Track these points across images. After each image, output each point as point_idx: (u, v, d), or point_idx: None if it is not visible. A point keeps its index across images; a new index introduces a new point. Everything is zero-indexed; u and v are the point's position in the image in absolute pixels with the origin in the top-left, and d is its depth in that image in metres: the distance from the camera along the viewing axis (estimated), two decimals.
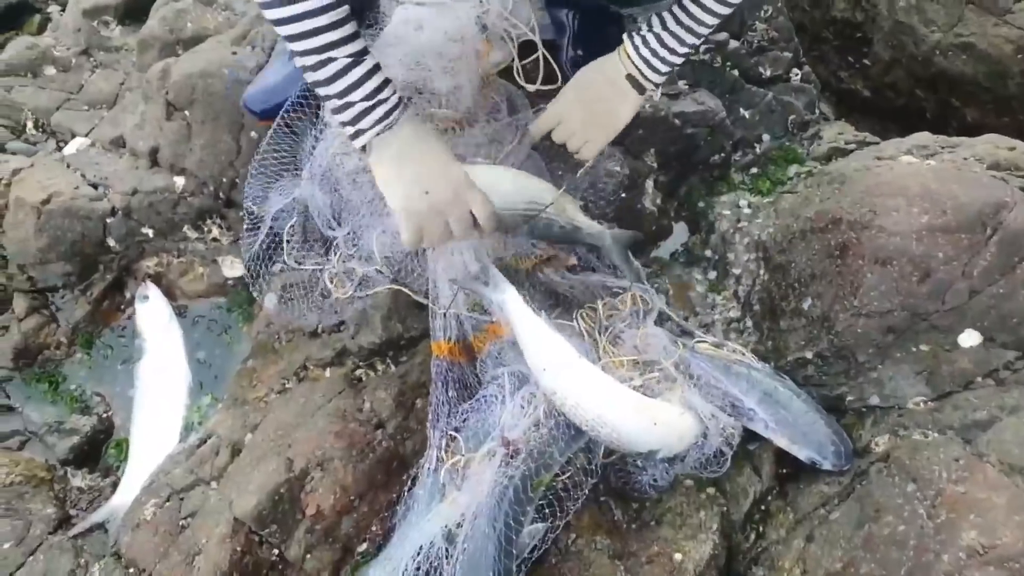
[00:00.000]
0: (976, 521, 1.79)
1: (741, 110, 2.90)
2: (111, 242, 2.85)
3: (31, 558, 2.32)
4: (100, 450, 2.71)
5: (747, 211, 2.74)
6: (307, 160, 2.54)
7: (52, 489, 2.56)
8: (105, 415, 2.74)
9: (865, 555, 1.92)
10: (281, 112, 2.46)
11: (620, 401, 2.03)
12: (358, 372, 2.46)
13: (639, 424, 2.03)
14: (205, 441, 2.42)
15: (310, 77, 1.73)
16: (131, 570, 2.22)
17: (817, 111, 3.03)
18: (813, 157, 2.90)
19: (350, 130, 1.80)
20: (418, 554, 1.99)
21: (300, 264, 2.58)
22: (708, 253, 2.72)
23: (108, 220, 2.83)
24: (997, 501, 1.79)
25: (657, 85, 2.14)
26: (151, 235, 2.86)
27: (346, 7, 1.67)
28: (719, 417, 2.11)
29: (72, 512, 2.51)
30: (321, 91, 1.76)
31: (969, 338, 2.17)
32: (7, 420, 2.76)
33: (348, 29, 1.68)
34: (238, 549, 2.05)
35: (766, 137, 2.93)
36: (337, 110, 1.77)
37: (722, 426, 2.10)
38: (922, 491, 1.92)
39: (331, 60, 1.69)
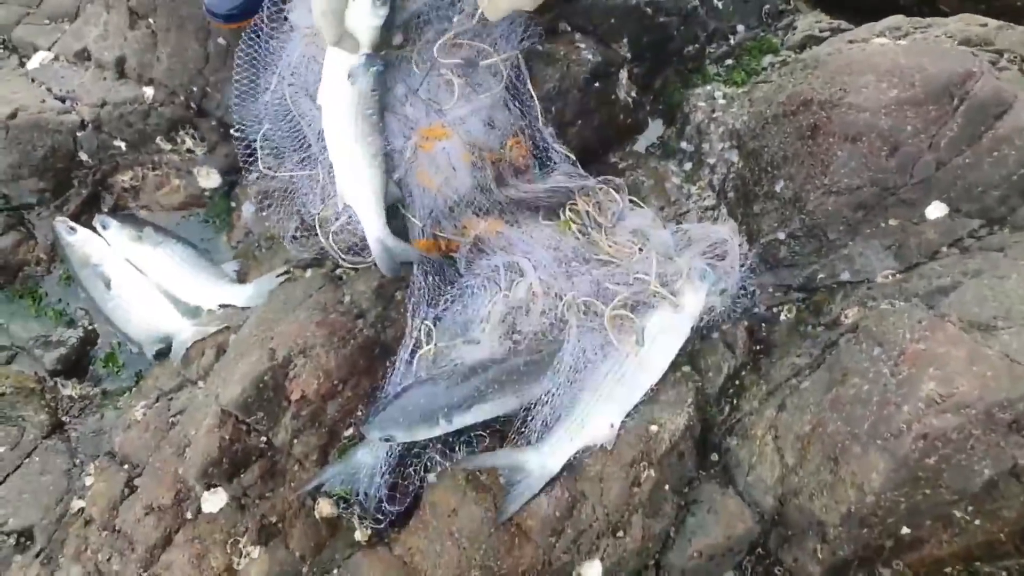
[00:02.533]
0: (935, 374, 1.85)
1: (714, 0, 2.87)
2: (83, 156, 2.83)
3: (27, 460, 2.38)
4: (87, 361, 2.73)
5: (722, 102, 2.74)
6: (277, 64, 2.52)
7: (43, 398, 2.60)
8: (90, 327, 2.76)
9: (832, 415, 1.99)
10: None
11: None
12: (338, 271, 2.48)
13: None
14: None
15: None
16: (125, 466, 2.28)
17: (792, 1, 3.00)
18: (787, 47, 2.88)
19: None
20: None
21: (274, 172, 2.57)
22: (684, 145, 2.73)
23: (78, 134, 2.80)
24: (956, 354, 1.86)
25: None
26: (124, 148, 2.84)
27: None
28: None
29: (65, 419, 2.55)
30: None
31: (936, 210, 2.21)
32: None
33: None
34: (226, 438, 2.11)
35: (740, 28, 2.91)
36: None
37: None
38: (887, 352, 1.98)
39: None
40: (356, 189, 2.30)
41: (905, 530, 1.93)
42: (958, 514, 1.91)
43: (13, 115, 2.74)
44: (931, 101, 2.19)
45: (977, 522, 1.89)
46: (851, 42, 2.58)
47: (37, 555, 2.15)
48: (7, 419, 2.47)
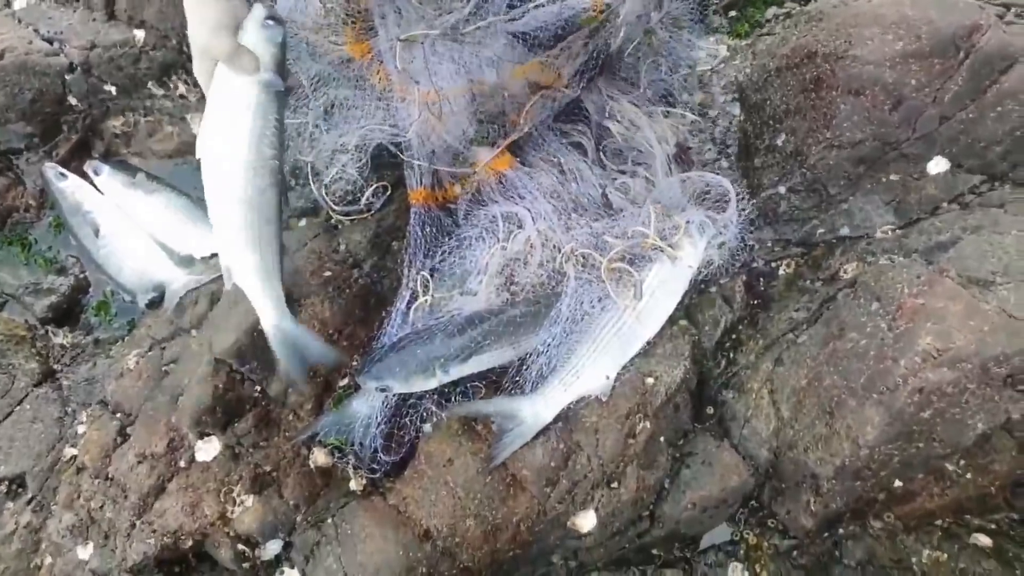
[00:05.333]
0: (932, 328, 1.85)
1: None
2: (72, 100, 2.77)
3: (18, 407, 2.37)
4: (79, 309, 2.70)
5: (725, 54, 2.69)
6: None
7: (34, 347, 2.58)
8: (82, 275, 2.73)
9: (828, 369, 1.99)
10: None
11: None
12: (332, 220, 2.45)
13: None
14: None
15: None
16: (117, 414, 2.27)
17: None
18: None
19: None
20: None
21: None
22: (685, 97, 2.68)
23: (67, 76, 2.73)
24: (953, 309, 1.85)
25: None
26: (114, 92, 2.77)
27: None
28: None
29: (56, 367, 2.53)
30: None
31: (937, 165, 2.19)
32: None
33: None
34: (220, 386, 2.10)
35: None
36: None
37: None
38: (884, 307, 1.98)
39: None
40: (246, 263, 1.84)
41: (897, 483, 1.95)
42: (950, 467, 1.93)
43: (0, 57, 2.67)
44: (936, 54, 2.15)
45: (968, 476, 1.91)
46: None
47: (29, 502, 2.15)
48: None
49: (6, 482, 2.17)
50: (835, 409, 1.95)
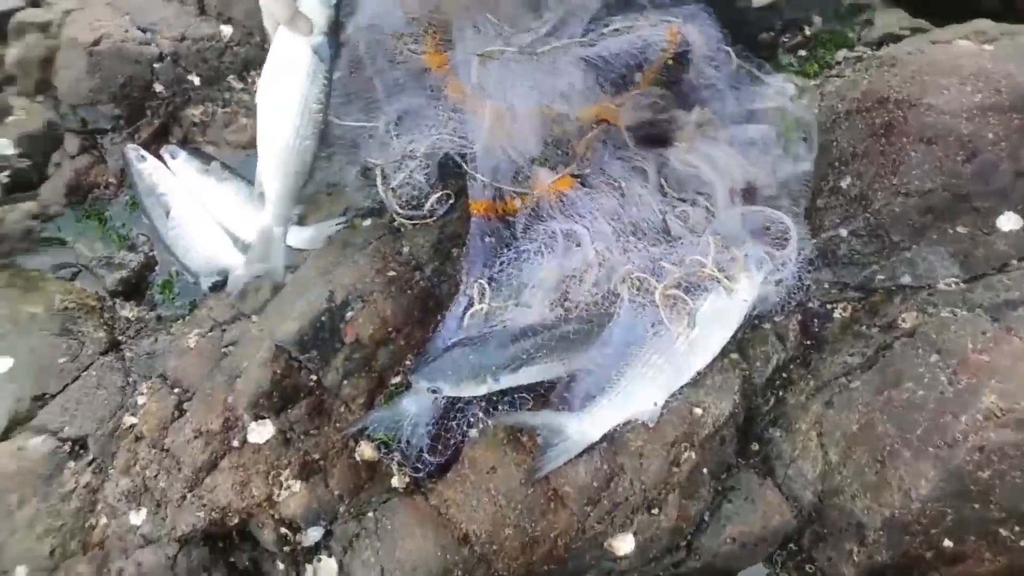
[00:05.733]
0: (997, 386, 1.83)
1: None
2: (158, 87, 2.89)
3: (85, 373, 2.46)
4: (145, 285, 2.80)
5: (792, 92, 2.70)
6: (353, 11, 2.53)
7: (102, 317, 2.68)
8: (151, 253, 2.83)
9: (882, 417, 1.98)
10: None
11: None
12: (395, 223, 2.51)
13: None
14: None
15: None
16: (176, 389, 2.35)
17: None
18: (864, 42, 2.84)
19: None
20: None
21: (341, 119, 2.60)
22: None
23: (155, 65, 2.86)
24: (1021, 369, 1.83)
25: None
26: (197, 83, 2.89)
27: None
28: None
29: (121, 339, 2.63)
30: None
31: (1009, 221, 2.18)
32: (60, 253, 2.87)
33: None
34: (278, 372, 2.16)
35: (817, 19, 2.87)
36: None
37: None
38: (945, 360, 1.97)
39: None
40: (274, 184, 2.22)
41: (947, 543, 1.91)
42: (1005, 533, 1.88)
43: (97, 42, 2.80)
44: (1016, 109, 2.15)
45: (1023, 543, 1.87)
46: (934, 43, 2.52)
47: (89, 463, 2.23)
48: (69, 332, 2.55)
49: (70, 442, 2.26)
50: (887, 459, 1.94)
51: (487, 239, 2.37)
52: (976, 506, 1.84)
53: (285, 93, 2.12)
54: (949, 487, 1.83)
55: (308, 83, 2.11)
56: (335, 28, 2.11)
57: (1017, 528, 1.85)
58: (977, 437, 1.80)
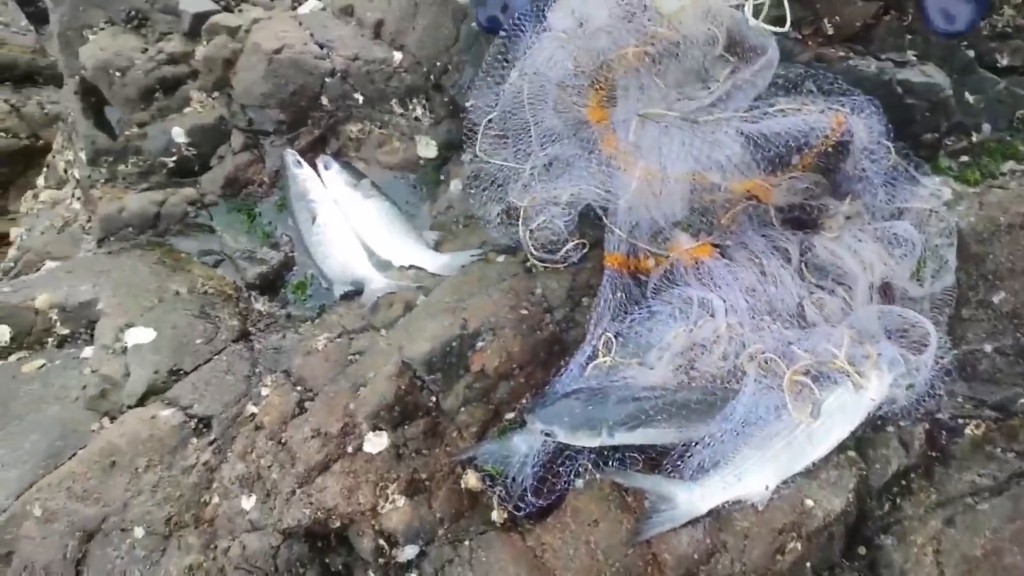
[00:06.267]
0: None
1: (967, 94, 2.77)
2: (324, 100, 3.07)
3: (217, 356, 2.61)
4: (280, 284, 2.96)
5: (948, 197, 2.64)
6: (522, 57, 2.64)
7: (238, 306, 2.85)
8: (291, 254, 2.99)
9: (1011, 547, 1.90)
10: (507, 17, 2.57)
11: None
12: (528, 264, 2.57)
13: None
14: None
15: None
16: (299, 387, 2.46)
17: None
18: None
19: None
20: None
21: (489, 158, 2.69)
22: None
23: (327, 79, 3.04)
24: None
25: None
26: (361, 101, 3.06)
27: None
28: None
29: (252, 330, 2.78)
30: None
31: None
32: (208, 240, 3.08)
33: None
34: (402, 387, 2.24)
35: (986, 127, 2.79)
36: None
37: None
38: None
39: None
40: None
41: None
42: None
43: (279, 51, 3.01)
44: None
45: None
46: None
47: (211, 443, 2.36)
48: (207, 316, 2.73)
49: (196, 420, 2.39)
50: None
51: (618, 293, 2.40)
52: None
53: None
54: None
55: None
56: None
57: None
58: None
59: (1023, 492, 1.99)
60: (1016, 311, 2.24)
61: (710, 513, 2.02)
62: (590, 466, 2.13)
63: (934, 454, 2.22)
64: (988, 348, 2.27)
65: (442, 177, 3.04)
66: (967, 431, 2.24)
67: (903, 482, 2.19)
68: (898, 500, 2.17)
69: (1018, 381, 2.22)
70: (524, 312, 2.30)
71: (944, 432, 2.25)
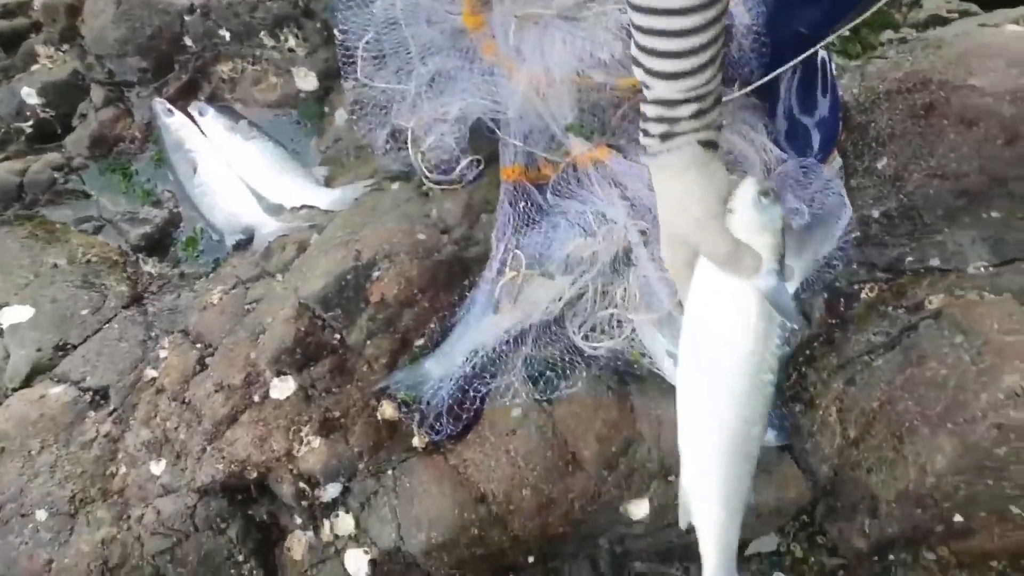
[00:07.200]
0: (1020, 366, 1.83)
1: None
2: (187, 41, 2.87)
3: (107, 325, 2.48)
4: (169, 242, 2.81)
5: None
6: None
7: (125, 271, 2.69)
8: (175, 210, 2.83)
9: (903, 394, 1.98)
10: None
11: None
12: (424, 188, 2.50)
13: None
14: None
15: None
16: (198, 344, 2.36)
17: None
18: (909, 24, 2.78)
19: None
20: (473, 355, 2.11)
21: (371, 81, 2.57)
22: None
23: (186, 17, 2.83)
24: None
25: None
26: (228, 38, 2.86)
27: None
28: None
29: (143, 293, 2.64)
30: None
31: None
32: (84, 206, 2.88)
33: None
34: (301, 329, 2.17)
35: None
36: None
37: None
38: (970, 341, 1.96)
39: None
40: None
41: (958, 517, 1.93)
42: (1015, 510, 1.90)
43: None
44: None
45: None
46: (981, 25, 2.49)
47: (110, 414, 2.25)
48: (91, 285, 2.57)
49: (91, 392, 2.27)
50: (905, 434, 1.94)
51: (519, 204, 2.35)
52: (989, 482, 1.85)
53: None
54: (964, 462, 1.85)
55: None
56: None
57: None
58: (996, 415, 1.81)
59: (912, 343, 2.07)
60: (898, 173, 2.29)
61: (625, 406, 2.04)
62: (517, 386, 2.10)
63: (834, 321, 2.29)
64: (875, 213, 2.33)
65: (326, 109, 2.89)
66: (863, 295, 2.30)
67: (807, 351, 2.26)
68: (803, 369, 2.24)
69: (903, 241, 2.29)
70: (420, 236, 2.23)
71: (842, 299, 2.31)
